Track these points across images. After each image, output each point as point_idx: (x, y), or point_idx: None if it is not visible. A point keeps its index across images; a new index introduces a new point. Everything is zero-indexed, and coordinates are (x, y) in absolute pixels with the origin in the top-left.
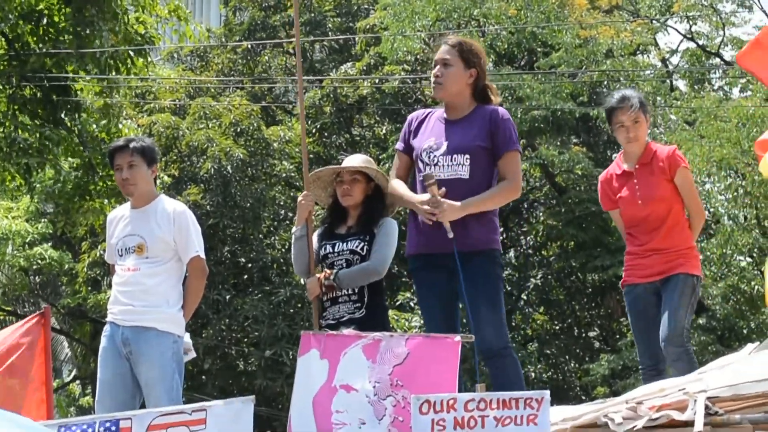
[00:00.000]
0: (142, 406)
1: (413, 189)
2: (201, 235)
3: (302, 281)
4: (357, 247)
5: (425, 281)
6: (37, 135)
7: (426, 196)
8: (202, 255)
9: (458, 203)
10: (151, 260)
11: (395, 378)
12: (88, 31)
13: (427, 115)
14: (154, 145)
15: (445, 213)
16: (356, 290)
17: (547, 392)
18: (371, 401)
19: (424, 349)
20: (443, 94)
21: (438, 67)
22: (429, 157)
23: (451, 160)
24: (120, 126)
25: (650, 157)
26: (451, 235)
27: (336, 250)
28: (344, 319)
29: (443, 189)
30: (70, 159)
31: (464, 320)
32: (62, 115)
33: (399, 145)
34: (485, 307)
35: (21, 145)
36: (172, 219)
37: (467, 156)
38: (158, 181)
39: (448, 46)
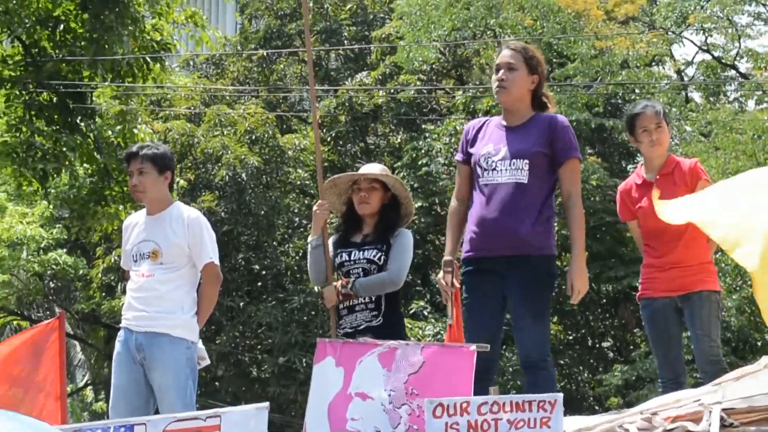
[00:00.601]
0: (156, 411)
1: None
2: (215, 242)
3: (317, 289)
4: (374, 256)
5: (475, 286)
6: (54, 140)
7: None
8: (216, 261)
9: (575, 269)
10: (166, 266)
11: (410, 386)
12: (105, 37)
13: (485, 123)
14: (168, 151)
15: (584, 283)
16: (373, 299)
17: (560, 395)
18: (386, 409)
19: (440, 357)
20: (507, 98)
21: (502, 71)
22: (487, 163)
23: (510, 165)
24: (135, 131)
25: (672, 168)
26: (451, 321)
27: (352, 258)
28: (361, 327)
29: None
30: (85, 165)
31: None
32: (78, 121)
33: (459, 156)
34: (529, 316)
35: (38, 151)
36: (186, 225)
37: (526, 161)
38: (175, 186)
39: (511, 50)
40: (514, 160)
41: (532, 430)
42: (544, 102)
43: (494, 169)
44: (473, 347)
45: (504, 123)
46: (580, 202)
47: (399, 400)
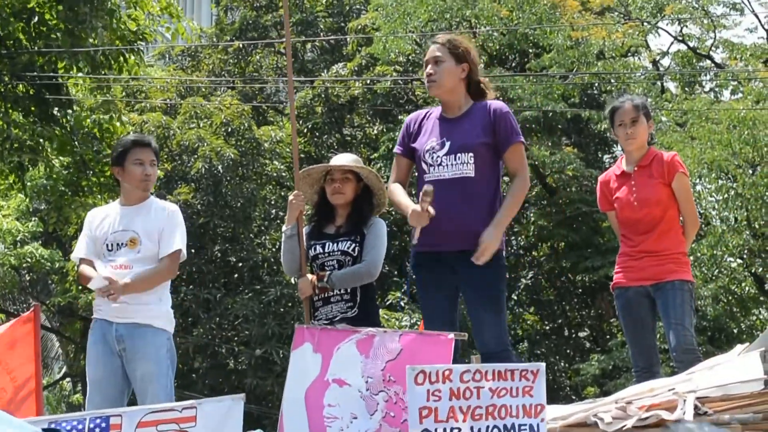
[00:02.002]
0: (130, 402)
1: (417, 191)
2: (185, 239)
3: (293, 281)
4: (348, 248)
5: (428, 277)
6: (31, 132)
7: (417, 207)
8: (184, 254)
9: (492, 231)
10: (143, 256)
11: (388, 373)
12: (80, 28)
13: (425, 116)
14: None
15: (493, 243)
16: (349, 290)
17: (543, 365)
18: (363, 396)
19: (418, 345)
20: (439, 91)
21: (430, 65)
22: (432, 158)
23: (455, 159)
24: (112, 121)
25: (650, 161)
26: (415, 241)
27: (326, 250)
28: (337, 318)
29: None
30: (60, 158)
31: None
32: (54, 111)
33: (398, 149)
34: (485, 309)
35: (14, 143)
36: (166, 215)
37: (471, 154)
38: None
39: (437, 44)
40: (459, 154)
41: (514, 398)
42: (482, 89)
43: (440, 165)
44: (451, 335)
45: (444, 115)
46: (526, 181)
47: (376, 386)
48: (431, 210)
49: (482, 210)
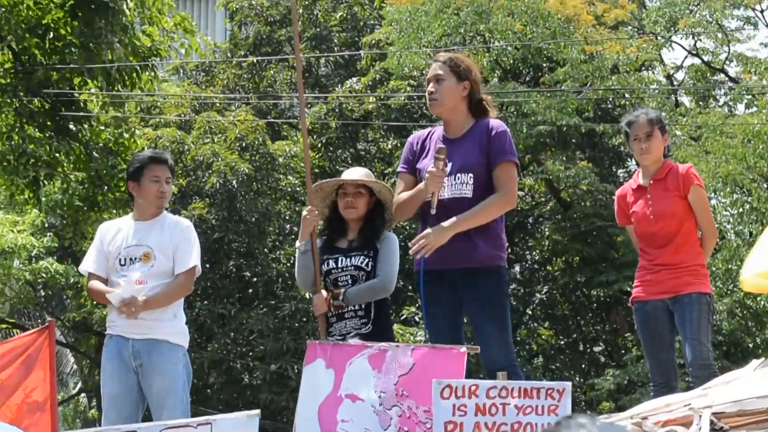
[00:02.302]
0: (146, 418)
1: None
2: (200, 254)
3: (308, 296)
4: (361, 263)
5: (432, 295)
6: (46, 147)
7: (431, 169)
8: (199, 269)
9: (446, 224)
10: (157, 271)
11: (401, 388)
12: (95, 44)
13: (428, 135)
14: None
15: (433, 239)
16: (363, 305)
17: (569, 384)
18: (376, 411)
19: (430, 359)
20: (440, 110)
21: (431, 84)
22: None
23: (455, 179)
24: (126, 135)
25: (665, 174)
26: (434, 211)
27: (340, 265)
28: (351, 334)
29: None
30: (76, 173)
31: (469, 335)
32: (70, 126)
33: (402, 168)
34: (490, 326)
35: (30, 158)
36: (180, 230)
37: (470, 175)
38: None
39: (439, 62)
40: (458, 175)
41: (539, 416)
42: (484, 107)
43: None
44: (463, 349)
45: (445, 135)
46: (507, 197)
47: (389, 401)
48: (446, 169)
49: (480, 232)
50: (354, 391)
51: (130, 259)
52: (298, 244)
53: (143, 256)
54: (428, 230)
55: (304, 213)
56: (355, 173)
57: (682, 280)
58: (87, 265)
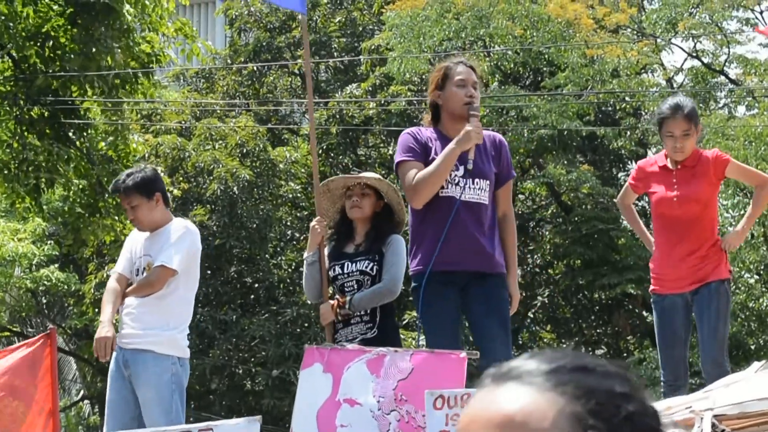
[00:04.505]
0: None
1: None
2: (192, 259)
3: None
4: (367, 267)
5: (437, 293)
6: (46, 154)
7: (468, 127)
8: (174, 268)
9: (515, 283)
10: None
11: (399, 393)
12: (95, 50)
13: (428, 135)
14: (150, 172)
15: (516, 302)
16: (368, 311)
17: None
18: (375, 416)
19: (429, 364)
20: (477, 117)
21: (472, 88)
22: (450, 176)
23: (473, 183)
24: (127, 142)
25: (695, 161)
26: (470, 166)
27: (345, 271)
28: (357, 340)
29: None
30: (75, 181)
31: (467, 340)
32: (70, 134)
33: (407, 156)
34: (498, 327)
35: (30, 165)
36: (169, 232)
37: (488, 182)
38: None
39: (471, 68)
40: (477, 180)
41: None
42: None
43: (456, 184)
44: (463, 354)
45: (450, 137)
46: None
47: (388, 406)
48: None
49: (494, 237)
50: (352, 396)
51: (140, 269)
52: (306, 255)
53: (147, 266)
54: (512, 290)
55: (313, 223)
56: (364, 175)
57: (702, 271)
58: (116, 266)
